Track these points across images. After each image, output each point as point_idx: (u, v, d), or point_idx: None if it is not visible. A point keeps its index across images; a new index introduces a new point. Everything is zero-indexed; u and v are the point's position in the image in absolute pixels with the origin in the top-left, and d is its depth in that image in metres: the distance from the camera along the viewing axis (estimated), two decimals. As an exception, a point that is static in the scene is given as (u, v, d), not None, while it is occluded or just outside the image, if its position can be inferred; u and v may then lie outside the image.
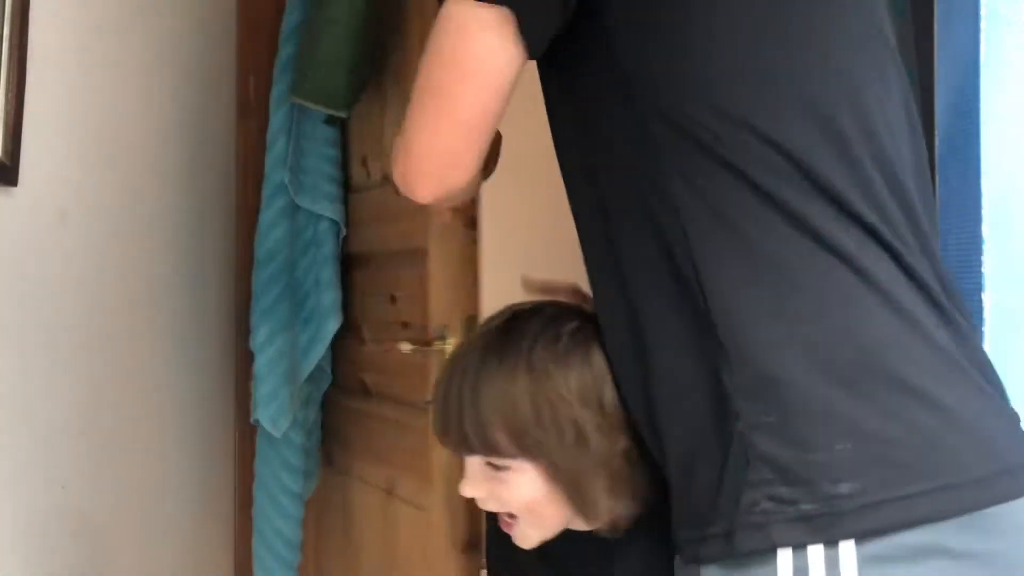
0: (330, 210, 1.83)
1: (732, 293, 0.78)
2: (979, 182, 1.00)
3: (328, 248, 1.84)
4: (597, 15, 0.83)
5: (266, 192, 1.85)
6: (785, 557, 0.74)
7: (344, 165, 1.90)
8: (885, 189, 0.81)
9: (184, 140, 1.89)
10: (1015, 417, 0.83)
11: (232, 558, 2.07)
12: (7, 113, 1.33)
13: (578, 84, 0.88)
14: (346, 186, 1.90)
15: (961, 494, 0.74)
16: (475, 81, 0.83)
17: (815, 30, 0.82)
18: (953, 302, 0.83)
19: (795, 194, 0.78)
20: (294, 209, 1.84)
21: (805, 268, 0.78)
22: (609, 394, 0.90)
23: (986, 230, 0.99)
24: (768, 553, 0.74)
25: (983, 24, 0.99)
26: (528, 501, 0.93)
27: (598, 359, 0.90)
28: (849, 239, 0.78)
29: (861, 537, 0.73)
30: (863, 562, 0.73)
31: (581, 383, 0.90)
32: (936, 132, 1.12)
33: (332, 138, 1.87)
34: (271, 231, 1.84)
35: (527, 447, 0.90)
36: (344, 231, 1.87)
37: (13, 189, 1.36)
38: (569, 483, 0.91)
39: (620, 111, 0.83)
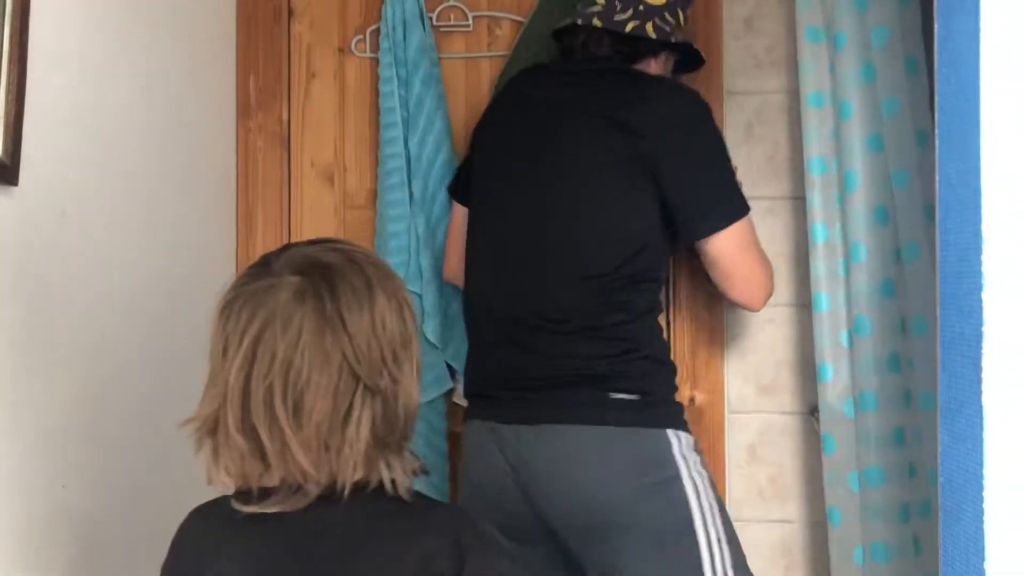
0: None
1: None
2: (979, 182, 0.99)
3: None
4: None
5: (440, 199, 2.02)
6: None
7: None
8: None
9: (184, 140, 1.89)
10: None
11: (232, 558, 2.06)
12: (7, 113, 1.33)
13: None
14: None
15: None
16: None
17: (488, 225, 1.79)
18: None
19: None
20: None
21: None
22: None
23: (986, 230, 0.99)
24: None
25: (983, 23, 0.99)
26: None
27: None
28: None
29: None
30: None
31: None
32: (936, 132, 1.12)
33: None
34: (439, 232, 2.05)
35: None
36: None
37: (13, 189, 1.36)
38: None
39: None
